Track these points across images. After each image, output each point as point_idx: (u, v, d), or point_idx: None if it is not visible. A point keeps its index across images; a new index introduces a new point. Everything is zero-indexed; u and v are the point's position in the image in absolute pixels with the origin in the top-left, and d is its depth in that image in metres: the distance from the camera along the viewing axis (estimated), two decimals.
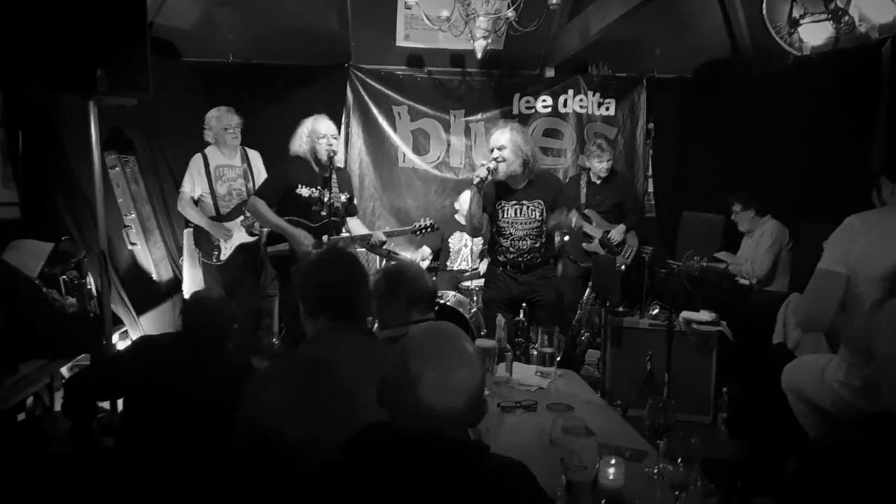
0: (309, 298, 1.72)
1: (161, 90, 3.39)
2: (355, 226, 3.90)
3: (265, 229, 4.15)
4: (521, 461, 1.17)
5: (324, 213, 3.66)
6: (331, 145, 3.64)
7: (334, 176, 3.70)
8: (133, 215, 4.78)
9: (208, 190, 4.29)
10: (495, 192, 3.51)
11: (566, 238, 4.72)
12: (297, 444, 1.43)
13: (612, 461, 1.62)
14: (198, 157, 4.30)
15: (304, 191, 3.66)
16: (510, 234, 3.49)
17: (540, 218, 3.49)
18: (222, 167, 4.32)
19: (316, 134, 3.64)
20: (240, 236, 4.28)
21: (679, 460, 1.56)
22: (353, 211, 3.99)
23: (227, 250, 4.28)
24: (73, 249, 3.98)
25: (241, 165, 4.39)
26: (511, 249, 3.50)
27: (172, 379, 2.14)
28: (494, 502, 1.08)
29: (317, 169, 3.70)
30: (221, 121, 4.26)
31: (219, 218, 4.29)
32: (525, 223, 3.48)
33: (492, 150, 3.43)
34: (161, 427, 2.08)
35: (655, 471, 1.72)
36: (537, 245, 3.50)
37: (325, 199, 3.67)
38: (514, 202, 3.48)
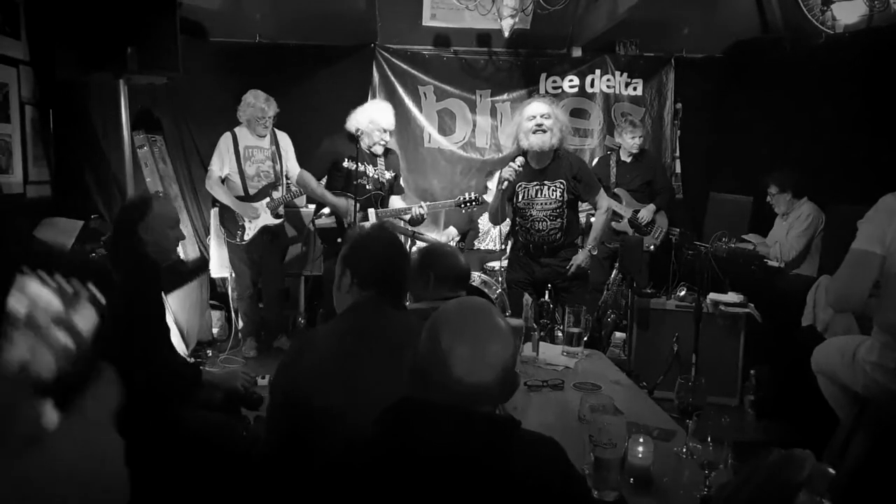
0: (361, 270, 1.73)
1: (188, 70, 3.43)
2: (397, 204, 4.01)
3: (290, 209, 4.21)
4: (552, 437, 1.17)
5: (369, 187, 3.75)
6: (385, 141, 3.79)
7: (380, 157, 3.83)
8: (160, 194, 4.85)
9: (237, 169, 4.33)
10: (517, 174, 3.45)
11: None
12: (330, 411, 1.44)
13: (641, 439, 1.62)
14: (227, 136, 4.34)
15: (350, 164, 3.75)
16: (530, 215, 3.44)
17: (561, 198, 3.41)
18: (251, 148, 4.36)
19: (377, 125, 3.76)
20: (265, 217, 4.33)
21: (709, 439, 1.56)
22: (399, 190, 4.09)
23: (251, 231, 4.33)
24: (102, 227, 4.05)
25: (270, 147, 4.43)
26: (532, 230, 3.46)
27: None
28: (526, 478, 1.08)
29: (365, 148, 3.78)
30: (255, 108, 4.30)
31: (246, 198, 4.34)
32: (545, 203, 3.42)
33: (531, 118, 3.30)
34: None
35: (684, 450, 1.71)
36: (557, 225, 3.44)
37: (370, 174, 3.76)
38: (535, 183, 3.42)
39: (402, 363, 1.48)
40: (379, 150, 3.81)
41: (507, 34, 4.06)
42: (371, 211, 3.75)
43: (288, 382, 1.56)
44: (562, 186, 3.41)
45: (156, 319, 2.34)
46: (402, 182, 4.15)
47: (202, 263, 4.77)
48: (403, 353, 1.51)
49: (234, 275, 4.56)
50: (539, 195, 3.42)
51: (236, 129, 4.37)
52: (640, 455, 1.61)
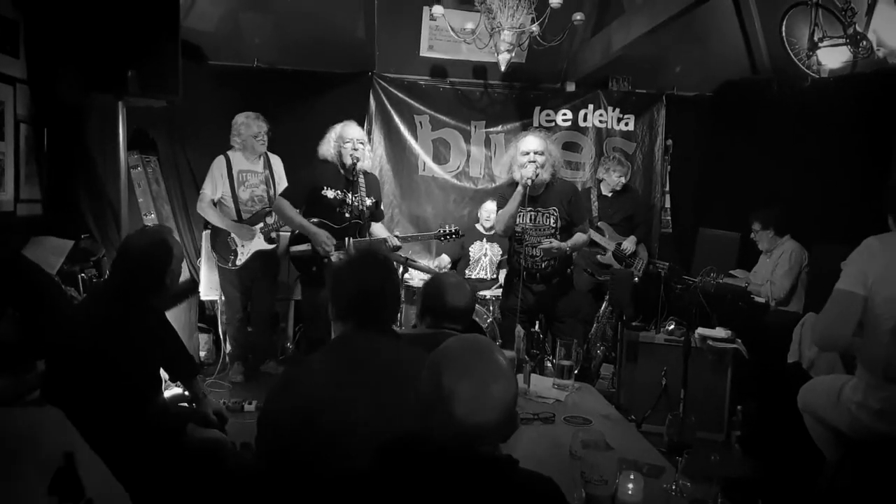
0: (340, 302, 1.72)
1: (186, 93, 3.44)
2: (378, 230, 3.93)
3: (283, 233, 4.18)
4: (549, 476, 1.17)
5: (347, 215, 3.70)
6: (356, 150, 3.66)
7: (361, 179, 3.73)
8: (152, 215, 4.82)
9: (230, 194, 4.32)
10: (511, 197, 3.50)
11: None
12: (322, 443, 1.44)
13: (632, 476, 1.62)
14: (221, 160, 4.34)
15: (329, 192, 3.71)
16: (525, 240, 3.52)
17: (554, 225, 3.52)
18: (245, 172, 4.36)
19: (342, 139, 3.68)
20: (259, 242, 4.32)
21: (698, 477, 1.57)
22: (380, 216, 4.03)
23: (243, 255, 4.30)
24: (93, 247, 4.01)
25: (264, 171, 4.43)
26: (527, 256, 3.52)
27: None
28: None
29: (342, 172, 3.74)
30: (250, 127, 4.30)
31: (240, 223, 4.33)
32: (539, 230, 3.52)
33: (526, 154, 3.41)
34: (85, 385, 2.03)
35: (674, 487, 1.72)
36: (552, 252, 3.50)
37: (350, 202, 3.71)
38: (530, 209, 3.50)
39: (393, 392, 1.49)
40: (361, 164, 3.70)
41: (503, 68, 4.13)
42: (349, 240, 3.66)
43: (280, 414, 1.55)
44: (555, 213, 3.52)
45: (148, 371, 2.29)
46: (383, 207, 4.11)
47: (192, 286, 4.74)
48: (394, 382, 1.52)
49: (223, 299, 4.53)
50: (534, 221, 3.52)
51: (230, 153, 4.36)
52: (630, 492, 1.61)
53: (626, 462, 1.82)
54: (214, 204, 4.34)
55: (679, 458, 1.77)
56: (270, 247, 4.37)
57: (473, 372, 1.15)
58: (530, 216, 3.52)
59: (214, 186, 4.32)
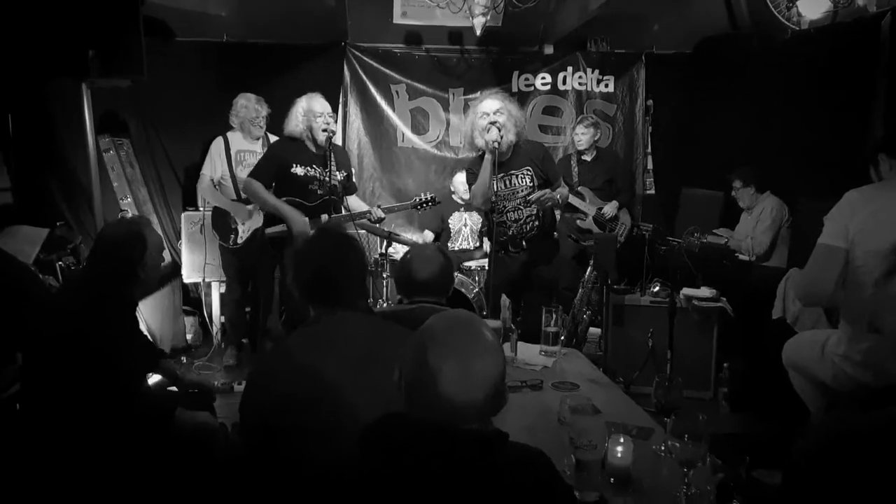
0: (300, 284, 1.69)
1: (154, 71, 3.34)
2: (355, 204, 3.85)
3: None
4: (539, 450, 1.16)
5: (321, 192, 3.61)
6: (328, 124, 3.57)
7: (331, 154, 3.64)
8: (129, 199, 4.75)
9: (228, 174, 4.29)
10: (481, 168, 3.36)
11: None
12: (301, 439, 1.42)
13: (621, 439, 1.63)
14: (219, 141, 4.30)
15: (299, 170, 3.61)
16: (503, 206, 3.39)
17: (531, 184, 3.38)
18: (244, 152, 4.31)
19: (312, 113, 3.57)
20: (257, 219, 4.26)
21: (686, 437, 1.57)
22: (353, 189, 3.94)
23: (244, 233, 4.27)
24: (69, 235, 3.95)
25: (262, 151, 4.36)
26: (507, 222, 3.43)
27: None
28: (515, 493, 1.07)
29: (313, 148, 3.65)
30: (249, 110, 4.25)
31: (238, 202, 4.29)
32: (516, 193, 3.40)
33: (485, 115, 3.25)
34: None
35: (663, 448, 1.73)
36: (534, 212, 3.43)
37: (322, 178, 3.62)
38: (501, 174, 3.34)
39: (373, 371, 1.47)
40: (324, 136, 3.56)
41: (478, 32, 4.05)
42: (324, 217, 3.57)
43: (258, 407, 1.52)
44: (530, 172, 3.40)
45: (129, 359, 2.26)
46: (363, 181, 4.03)
47: (174, 269, 4.68)
48: (372, 361, 1.50)
49: (225, 280, 4.48)
50: (509, 185, 3.40)
51: (228, 134, 4.31)
52: (619, 455, 1.62)
53: (614, 425, 1.82)
54: (214, 185, 4.29)
55: (667, 419, 1.78)
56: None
57: (459, 349, 1.12)
58: (503, 181, 3.36)
59: (213, 167, 4.28)
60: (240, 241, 4.28)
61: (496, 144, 3.18)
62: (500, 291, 3.26)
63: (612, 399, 2.21)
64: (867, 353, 2.21)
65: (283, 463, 1.45)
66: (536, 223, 3.46)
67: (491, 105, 3.29)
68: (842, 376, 2.31)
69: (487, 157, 3.25)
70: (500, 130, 3.20)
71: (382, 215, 3.77)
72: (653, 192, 5.57)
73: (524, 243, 3.47)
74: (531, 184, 3.40)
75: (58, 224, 3.87)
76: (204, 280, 4.60)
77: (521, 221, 3.43)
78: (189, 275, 4.63)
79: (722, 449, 1.66)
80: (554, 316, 2.56)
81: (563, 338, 2.63)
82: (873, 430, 1.95)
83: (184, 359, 4.42)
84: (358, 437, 1.11)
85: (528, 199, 3.35)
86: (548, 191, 3.36)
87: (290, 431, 1.44)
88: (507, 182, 3.39)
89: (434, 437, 1.07)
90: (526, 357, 2.56)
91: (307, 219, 3.54)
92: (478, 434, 1.10)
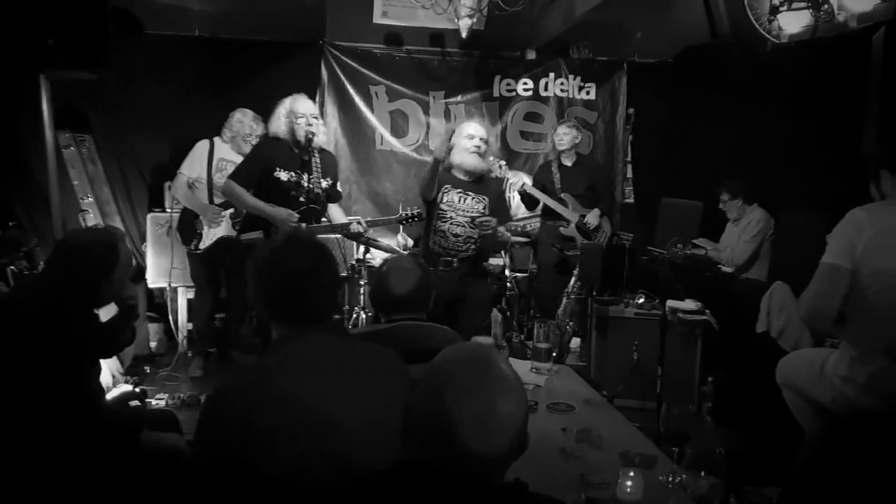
0: (261, 300, 1.47)
1: (122, 65, 3.16)
2: (336, 213, 3.66)
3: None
4: (561, 500, 1.05)
5: (302, 199, 3.42)
6: (310, 125, 3.39)
7: (315, 158, 3.46)
8: (90, 199, 4.52)
9: (205, 177, 4.10)
10: (439, 177, 3.43)
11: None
12: (276, 474, 1.26)
13: (630, 473, 1.53)
14: (204, 144, 4.12)
15: (282, 174, 3.42)
16: (450, 217, 3.40)
17: (483, 211, 3.43)
18: (225, 161, 4.12)
19: (294, 114, 3.40)
20: (226, 227, 4.07)
21: (703, 473, 1.48)
22: (336, 197, 3.75)
23: (207, 239, 4.07)
24: (22, 237, 3.73)
25: None
26: (448, 234, 3.40)
27: None
28: None
29: (296, 151, 3.46)
30: (244, 126, 4.09)
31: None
32: (468, 211, 3.42)
33: (472, 138, 3.38)
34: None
35: (669, 478, 1.63)
36: (475, 236, 3.43)
37: (304, 184, 3.44)
38: (459, 190, 3.42)
39: (365, 398, 1.33)
40: (316, 140, 3.41)
41: (464, 35, 3.95)
42: (304, 227, 3.36)
43: (233, 426, 1.31)
44: (485, 201, 3.46)
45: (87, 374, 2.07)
46: (339, 185, 3.85)
47: (137, 273, 4.44)
48: (356, 390, 1.35)
49: (195, 287, 4.28)
50: (462, 202, 3.43)
51: (216, 140, 4.14)
52: (629, 490, 1.52)
53: (622, 457, 1.72)
54: (189, 186, 4.10)
55: (675, 448, 1.68)
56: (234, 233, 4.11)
57: (479, 389, 0.99)
58: (459, 196, 3.42)
59: (192, 168, 4.09)
60: (201, 245, 4.07)
61: (446, 157, 3.38)
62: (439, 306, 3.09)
63: (609, 422, 2.12)
64: (872, 376, 2.15)
65: (260, 491, 1.28)
66: (473, 247, 3.46)
67: (479, 131, 3.45)
68: (842, 399, 2.25)
69: (434, 165, 3.37)
70: (482, 158, 3.41)
71: (362, 230, 3.57)
72: (632, 200, 5.54)
73: (456, 262, 3.43)
74: (483, 211, 3.46)
75: (9, 225, 3.63)
76: (170, 285, 4.38)
77: (462, 238, 3.42)
78: (154, 279, 4.42)
79: (705, 462, 1.59)
80: (546, 332, 2.46)
81: (554, 354, 2.53)
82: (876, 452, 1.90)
83: (147, 368, 4.19)
84: (362, 481, 0.97)
85: (475, 220, 3.42)
86: (495, 220, 3.42)
87: (276, 463, 1.27)
88: (464, 199, 3.44)
89: (450, 490, 0.95)
90: None
91: (296, 215, 3.34)
92: (502, 489, 0.99)
